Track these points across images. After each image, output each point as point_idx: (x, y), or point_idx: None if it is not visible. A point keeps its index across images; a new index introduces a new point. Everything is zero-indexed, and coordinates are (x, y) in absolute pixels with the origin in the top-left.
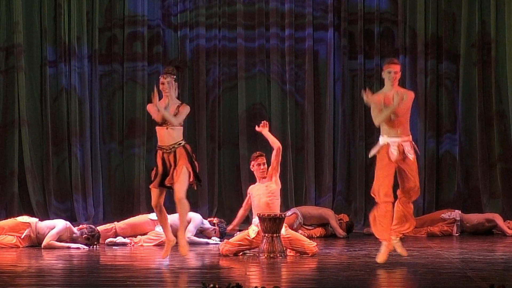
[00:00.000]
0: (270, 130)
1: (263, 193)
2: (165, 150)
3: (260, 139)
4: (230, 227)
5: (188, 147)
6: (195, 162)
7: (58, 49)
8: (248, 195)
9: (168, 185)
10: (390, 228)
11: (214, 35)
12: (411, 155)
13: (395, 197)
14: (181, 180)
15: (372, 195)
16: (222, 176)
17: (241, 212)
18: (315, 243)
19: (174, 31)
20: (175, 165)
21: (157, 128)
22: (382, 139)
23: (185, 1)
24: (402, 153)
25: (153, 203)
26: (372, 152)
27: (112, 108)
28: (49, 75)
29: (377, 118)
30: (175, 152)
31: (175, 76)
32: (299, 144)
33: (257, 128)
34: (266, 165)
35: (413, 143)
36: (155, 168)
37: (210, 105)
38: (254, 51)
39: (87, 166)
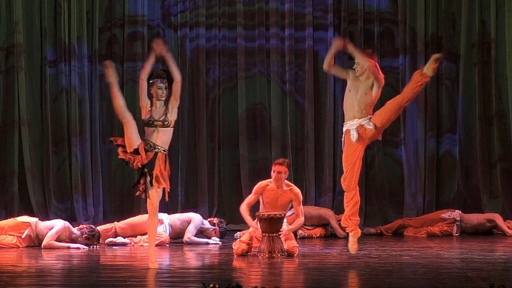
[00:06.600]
0: (270, 130)
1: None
2: (149, 145)
3: (260, 139)
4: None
5: (167, 158)
6: (166, 173)
7: (58, 49)
8: (255, 195)
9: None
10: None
11: (214, 35)
12: (370, 127)
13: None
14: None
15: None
16: (222, 176)
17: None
18: (297, 244)
19: (174, 31)
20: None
21: (146, 128)
22: (344, 126)
23: (185, 1)
24: (363, 131)
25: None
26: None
27: (112, 108)
28: (49, 75)
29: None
30: (156, 153)
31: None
32: (299, 144)
33: None
34: (284, 175)
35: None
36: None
37: (210, 105)
38: (254, 51)
39: (87, 166)
